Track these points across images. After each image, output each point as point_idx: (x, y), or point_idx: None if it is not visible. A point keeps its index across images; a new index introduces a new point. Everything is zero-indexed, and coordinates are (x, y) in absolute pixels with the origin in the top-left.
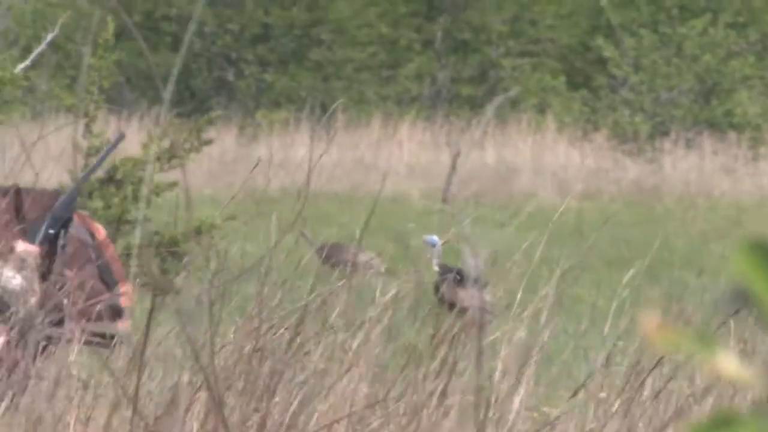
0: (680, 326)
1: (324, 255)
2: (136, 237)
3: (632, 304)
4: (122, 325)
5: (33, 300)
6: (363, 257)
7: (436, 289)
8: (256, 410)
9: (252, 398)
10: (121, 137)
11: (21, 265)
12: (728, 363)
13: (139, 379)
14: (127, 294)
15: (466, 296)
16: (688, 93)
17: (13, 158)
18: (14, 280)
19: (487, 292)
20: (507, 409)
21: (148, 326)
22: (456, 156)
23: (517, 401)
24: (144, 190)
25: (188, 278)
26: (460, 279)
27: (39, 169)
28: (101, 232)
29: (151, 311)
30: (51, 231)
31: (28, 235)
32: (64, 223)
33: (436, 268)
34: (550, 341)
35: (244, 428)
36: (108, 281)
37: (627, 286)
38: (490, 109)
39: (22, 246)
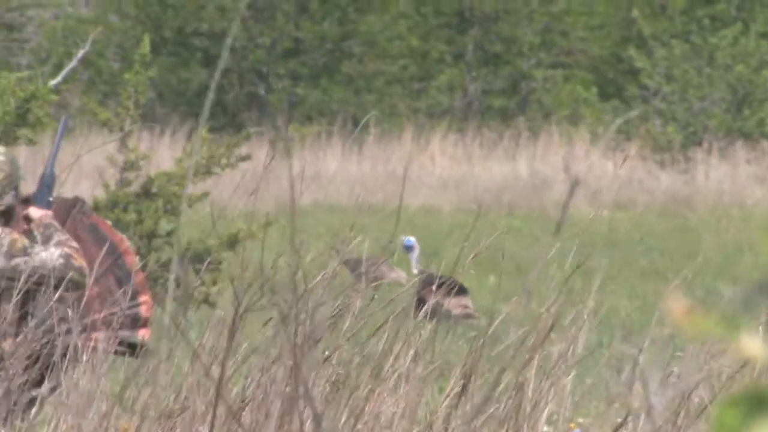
0: (706, 310)
1: (354, 269)
2: (173, 250)
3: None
4: (143, 333)
5: (80, 260)
6: (393, 273)
7: (417, 294)
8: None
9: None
10: (66, 123)
11: (47, 234)
12: (754, 345)
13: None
14: (147, 303)
15: (450, 302)
16: (721, 103)
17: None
18: (53, 255)
19: (468, 298)
20: (541, 420)
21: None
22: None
23: (549, 412)
24: (179, 203)
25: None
26: (444, 285)
27: (73, 185)
28: (124, 241)
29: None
30: (50, 198)
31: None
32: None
33: (414, 271)
34: (585, 352)
35: None
36: (128, 288)
37: (659, 296)
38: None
39: (37, 212)
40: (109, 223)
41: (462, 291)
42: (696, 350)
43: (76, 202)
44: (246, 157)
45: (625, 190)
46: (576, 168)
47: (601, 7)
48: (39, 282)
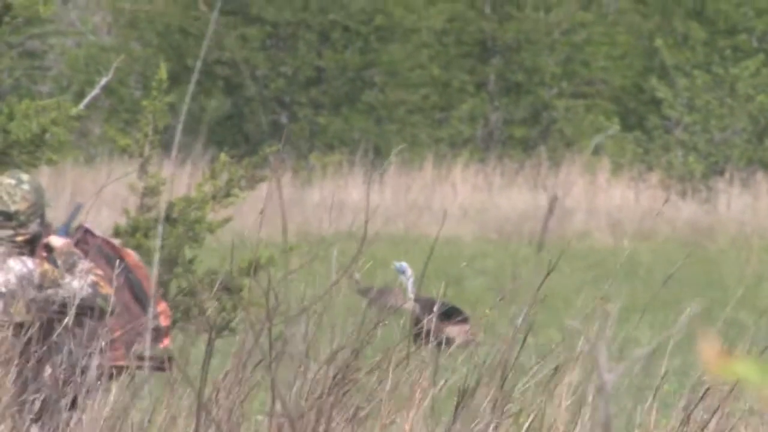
0: (739, 355)
1: (370, 297)
2: (193, 277)
3: (687, 345)
4: (165, 344)
5: (106, 288)
6: (402, 301)
7: (416, 321)
8: None
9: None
10: (78, 207)
11: (70, 262)
12: None
13: (199, 420)
14: (164, 313)
15: (451, 329)
16: (742, 133)
17: (67, 202)
18: (83, 285)
19: (468, 325)
20: None
21: (204, 369)
22: (554, 201)
23: None
24: (201, 229)
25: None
26: (444, 312)
27: (94, 211)
28: (132, 255)
29: (208, 354)
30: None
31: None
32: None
33: (411, 296)
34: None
35: None
36: (143, 302)
37: (681, 328)
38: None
39: (57, 241)
40: (116, 241)
41: (462, 317)
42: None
43: (80, 228)
44: (264, 178)
45: (646, 220)
46: (558, 190)
47: (622, 37)
48: (76, 313)
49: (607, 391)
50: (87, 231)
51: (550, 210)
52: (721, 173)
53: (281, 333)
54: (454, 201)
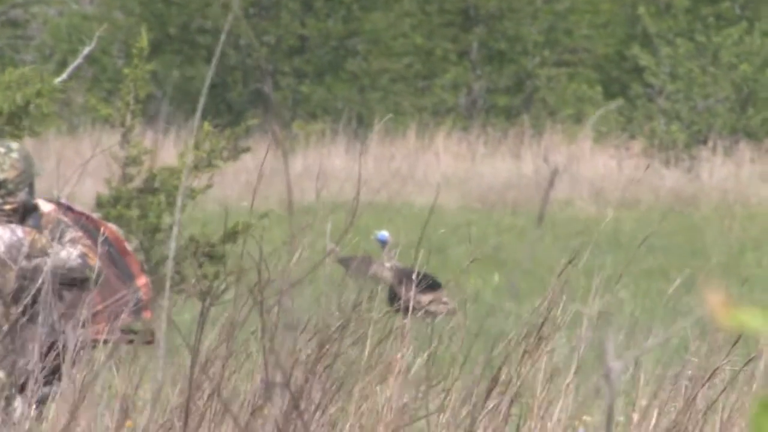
0: (745, 304)
1: (351, 267)
2: (171, 245)
3: (671, 314)
4: (146, 316)
5: (94, 258)
6: (383, 270)
7: (392, 291)
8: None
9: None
10: None
11: (58, 230)
12: None
13: (190, 392)
14: (145, 286)
15: (428, 297)
16: (725, 101)
17: (49, 171)
18: (72, 254)
19: (444, 294)
20: (547, 419)
21: (198, 337)
22: (554, 173)
23: (557, 411)
24: (179, 197)
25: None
26: (421, 281)
27: (76, 181)
28: (112, 229)
29: (202, 321)
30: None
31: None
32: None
33: (387, 265)
34: (589, 351)
35: None
36: (124, 276)
37: (663, 295)
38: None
39: (46, 206)
40: (97, 215)
41: (436, 285)
42: (702, 349)
43: (59, 204)
44: (246, 149)
45: (629, 188)
46: (556, 159)
47: (605, 5)
48: (62, 282)
49: (613, 379)
50: (67, 207)
51: (551, 183)
52: (704, 142)
53: (272, 304)
54: (437, 170)
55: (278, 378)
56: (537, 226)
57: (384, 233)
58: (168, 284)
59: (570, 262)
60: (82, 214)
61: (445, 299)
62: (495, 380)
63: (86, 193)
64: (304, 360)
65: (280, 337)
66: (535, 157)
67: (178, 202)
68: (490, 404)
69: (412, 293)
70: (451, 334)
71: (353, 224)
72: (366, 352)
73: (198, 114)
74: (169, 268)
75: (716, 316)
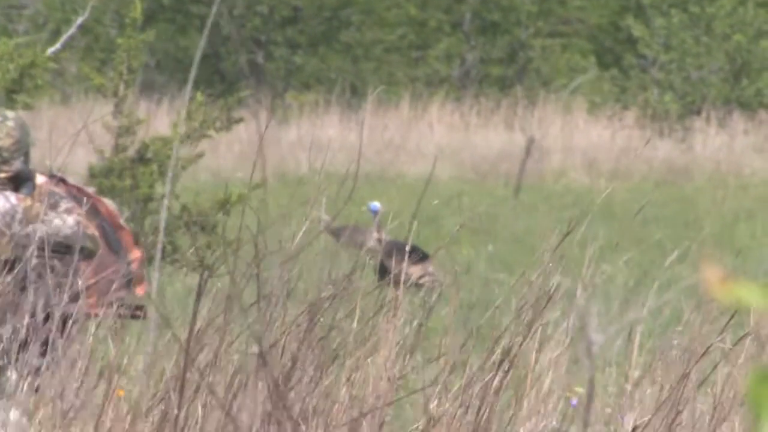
0: (742, 279)
1: (341, 237)
2: (162, 215)
3: (664, 286)
4: (140, 291)
5: (91, 227)
6: (376, 245)
7: (381, 263)
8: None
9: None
10: None
11: (52, 201)
12: None
13: (186, 365)
14: (137, 259)
15: (417, 270)
16: (719, 72)
17: (42, 141)
18: (68, 222)
19: (430, 264)
20: (540, 389)
21: (195, 310)
22: (530, 143)
23: (547, 382)
24: (170, 168)
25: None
26: (411, 253)
27: (68, 152)
28: (106, 203)
29: (198, 294)
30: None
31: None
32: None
33: (376, 235)
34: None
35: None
36: (116, 250)
37: (658, 266)
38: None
39: (40, 178)
40: (92, 189)
41: (424, 257)
42: (696, 321)
43: (52, 176)
44: (239, 120)
45: (623, 159)
46: (535, 131)
47: None
48: (55, 250)
49: (594, 352)
50: (59, 179)
51: (528, 152)
52: (698, 112)
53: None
54: (431, 140)
55: (257, 349)
56: (513, 197)
57: (376, 204)
58: (159, 256)
59: (567, 234)
60: (75, 187)
61: (431, 270)
62: (489, 351)
63: (78, 163)
64: (296, 331)
65: (254, 309)
66: (528, 130)
67: (169, 174)
68: (483, 376)
69: (403, 266)
70: (444, 306)
71: (351, 197)
72: (356, 324)
73: (189, 85)
74: (160, 240)
75: (713, 290)
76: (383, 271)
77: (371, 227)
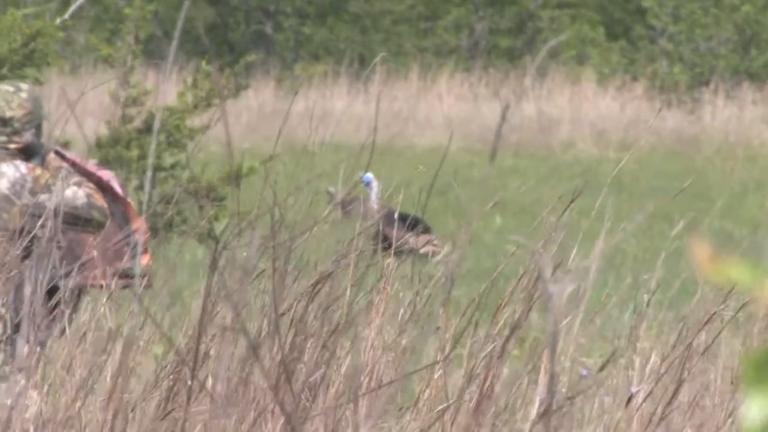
0: (732, 257)
1: (345, 208)
2: (176, 183)
3: (673, 256)
4: (144, 260)
5: (100, 200)
6: (376, 215)
7: (379, 230)
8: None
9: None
10: None
11: (62, 176)
12: None
13: (198, 344)
14: (140, 229)
15: (414, 239)
16: (727, 43)
17: (50, 111)
18: (78, 193)
19: (432, 235)
20: (553, 361)
21: (209, 282)
22: (505, 109)
23: (562, 352)
24: (181, 136)
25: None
26: (409, 222)
27: (77, 122)
28: (103, 175)
29: (213, 265)
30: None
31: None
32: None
33: (375, 207)
34: (592, 294)
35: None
36: (119, 221)
37: (666, 238)
38: (534, 64)
39: (56, 160)
40: (93, 161)
41: (425, 227)
42: (704, 292)
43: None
44: (246, 86)
45: (631, 130)
46: (510, 98)
47: None
48: (66, 221)
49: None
50: (57, 152)
51: (503, 118)
52: (707, 84)
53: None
54: (440, 111)
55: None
56: (489, 162)
57: (368, 175)
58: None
59: (570, 203)
60: (71, 160)
61: (435, 242)
62: (495, 322)
63: (86, 132)
64: (300, 300)
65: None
66: (537, 100)
67: (182, 143)
68: (489, 346)
69: (409, 237)
70: (453, 276)
71: (369, 167)
72: (360, 295)
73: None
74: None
75: (703, 270)
76: (384, 241)
77: (367, 199)
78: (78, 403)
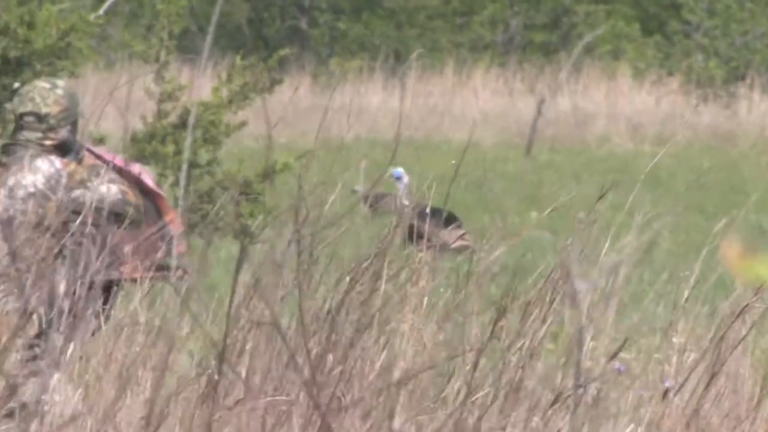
0: (762, 255)
1: (377, 204)
2: (212, 180)
3: (710, 251)
4: (178, 251)
5: (134, 197)
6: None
7: (411, 227)
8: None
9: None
10: None
11: (95, 171)
12: None
13: (226, 334)
14: (174, 222)
15: (446, 234)
16: (763, 37)
17: (84, 108)
18: (112, 189)
19: (463, 229)
20: (586, 356)
21: (236, 276)
22: (540, 103)
23: (587, 348)
24: (217, 132)
25: (266, 224)
26: (440, 217)
27: (113, 119)
28: (135, 168)
29: (240, 260)
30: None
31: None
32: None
33: (405, 202)
34: (628, 289)
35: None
36: (152, 215)
37: (701, 231)
38: (570, 60)
39: (90, 157)
40: (122, 157)
41: (457, 222)
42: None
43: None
44: (280, 80)
45: (667, 125)
46: (546, 92)
47: None
48: (100, 217)
49: (580, 300)
50: (87, 149)
51: (538, 112)
52: (742, 78)
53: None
54: (475, 106)
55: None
56: (525, 155)
57: (399, 170)
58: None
59: (600, 198)
60: (99, 155)
61: (467, 236)
62: (525, 316)
63: (120, 128)
64: (335, 296)
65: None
66: (572, 95)
67: (218, 139)
68: (523, 342)
69: (440, 232)
70: (486, 271)
71: (394, 161)
72: (394, 288)
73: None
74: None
75: (732, 267)
76: (417, 236)
77: (398, 194)
78: (117, 401)
